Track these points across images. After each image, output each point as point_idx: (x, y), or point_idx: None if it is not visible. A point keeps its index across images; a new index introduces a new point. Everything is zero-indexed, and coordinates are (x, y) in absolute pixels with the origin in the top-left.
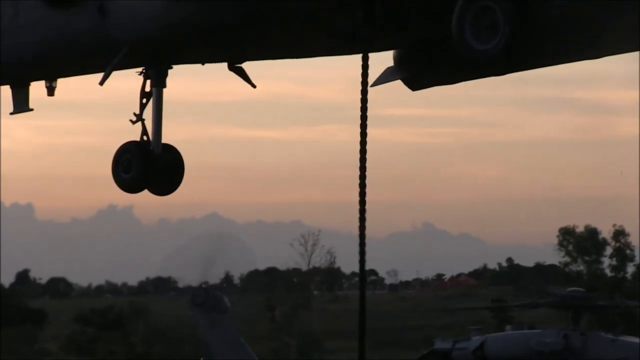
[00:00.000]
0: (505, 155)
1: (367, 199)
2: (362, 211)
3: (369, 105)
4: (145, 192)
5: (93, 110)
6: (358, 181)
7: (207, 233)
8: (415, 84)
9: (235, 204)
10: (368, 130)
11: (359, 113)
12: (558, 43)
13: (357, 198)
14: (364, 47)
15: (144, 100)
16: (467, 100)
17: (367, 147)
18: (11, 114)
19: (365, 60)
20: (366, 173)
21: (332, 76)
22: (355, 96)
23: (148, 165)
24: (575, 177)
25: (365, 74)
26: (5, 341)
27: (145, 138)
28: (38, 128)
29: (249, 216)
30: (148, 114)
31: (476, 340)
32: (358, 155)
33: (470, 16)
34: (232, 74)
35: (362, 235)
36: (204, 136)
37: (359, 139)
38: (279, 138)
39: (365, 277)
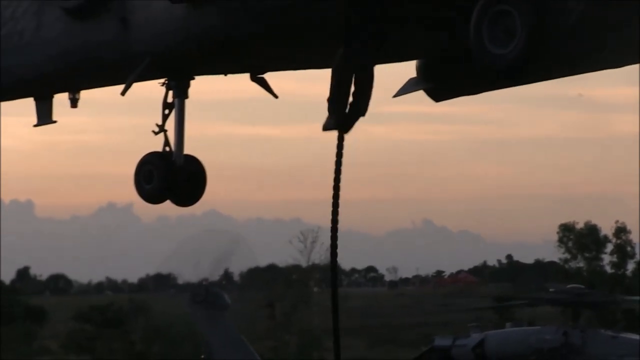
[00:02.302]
0: (505, 153)
1: (366, 195)
2: (335, 205)
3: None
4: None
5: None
6: (357, 177)
7: (206, 230)
8: (438, 95)
9: (235, 201)
10: (367, 127)
11: None
12: (577, 51)
13: (355, 196)
14: (391, 57)
15: (166, 111)
16: (467, 97)
17: (367, 145)
18: (35, 126)
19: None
20: (357, 170)
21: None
22: None
23: (170, 176)
24: (575, 174)
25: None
26: (4, 339)
27: (167, 149)
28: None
29: (248, 213)
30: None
31: (476, 337)
32: (356, 153)
33: (487, 20)
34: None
35: (334, 229)
36: (202, 133)
37: (358, 136)
38: (278, 135)
39: (337, 276)
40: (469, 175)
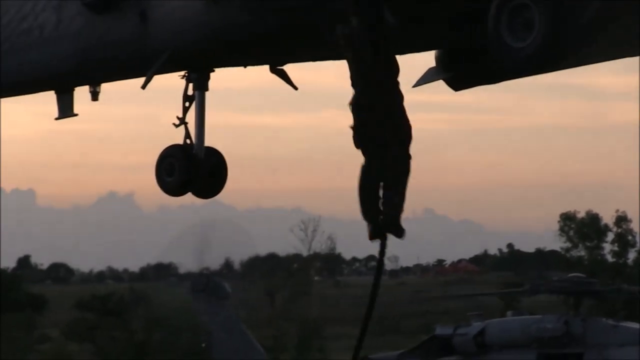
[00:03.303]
0: (506, 141)
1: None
2: None
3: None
4: (147, 178)
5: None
6: (358, 166)
7: (205, 220)
8: (458, 84)
9: (235, 190)
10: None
11: None
12: (594, 43)
13: (355, 184)
14: (408, 48)
15: (187, 104)
16: None
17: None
18: (56, 119)
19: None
20: (359, 158)
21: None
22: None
23: (191, 168)
24: (576, 163)
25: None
26: (5, 327)
27: (188, 141)
28: (40, 114)
29: (249, 202)
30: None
31: (477, 326)
32: None
33: (506, 14)
34: None
35: None
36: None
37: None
38: (279, 124)
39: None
40: (469, 164)
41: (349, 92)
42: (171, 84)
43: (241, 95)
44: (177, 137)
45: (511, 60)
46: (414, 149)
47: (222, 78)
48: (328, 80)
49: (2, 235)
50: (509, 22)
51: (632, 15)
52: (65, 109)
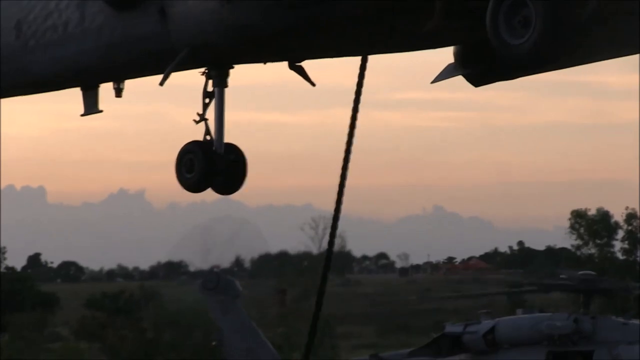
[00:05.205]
0: (517, 139)
1: (378, 182)
2: None
3: (379, 89)
4: (157, 176)
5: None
6: (368, 164)
7: (216, 217)
8: (477, 80)
9: (246, 188)
10: (378, 114)
11: (369, 97)
12: (591, 40)
13: (365, 182)
14: (427, 43)
15: (207, 100)
16: None
17: (377, 131)
18: (82, 115)
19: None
20: (368, 157)
21: (341, 59)
22: (365, 81)
23: (210, 165)
24: (587, 161)
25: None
26: (16, 325)
27: (208, 138)
28: (50, 112)
29: (259, 200)
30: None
31: (487, 324)
32: (368, 139)
33: (503, 10)
34: None
35: None
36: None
37: (369, 123)
38: (289, 121)
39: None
40: (480, 161)
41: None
42: (182, 83)
43: (252, 92)
44: (188, 135)
45: (509, 57)
46: (422, 148)
47: (237, 76)
48: (339, 79)
49: (13, 233)
50: (507, 20)
51: (629, 14)
52: (91, 106)
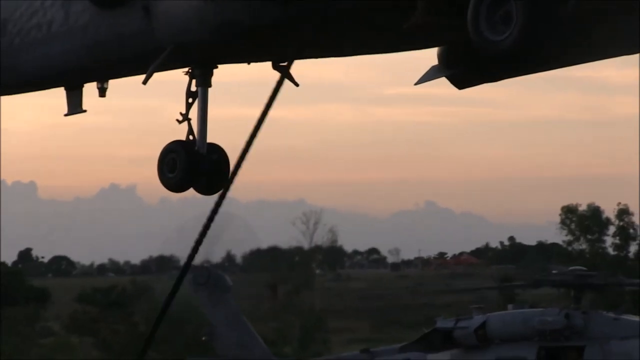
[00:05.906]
0: (508, 135)
1: (370, 177)
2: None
3: (371, 85)
4: (149, 171)
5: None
6: (360, 160)
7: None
8: (461, 82)
9: (237, 183)
10: (371, 109)
11: (361, 93)
12: (572, 38)
13: (357, 177)
14: (414, 43)
15: (190, 100)
16: None
17: (369, 126)
18: (66, 115)
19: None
20: (360, 152)
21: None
22: (356, 76)
23: (193, 164)
24: (578, 156)
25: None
26: (7, 320)
27: (190, 138)
28: (41, 107)
29: (250, 195)
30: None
31: (478, 319)
32: (359, 135)
33: (485, 6)
34: None
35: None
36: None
37: (362, 118)
38: (281, 117)
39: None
40: (471, 156)
41: (351, 87)
42: (175, 78)
43: (242, 87)
44: (181, 130)
45: (491, 54)
46: (414, 142)
47: (227, 72)
48: (330, 75)
49: (4, 228)
50: (488, 16)
51: (614, 14)
52: (75, 106)
